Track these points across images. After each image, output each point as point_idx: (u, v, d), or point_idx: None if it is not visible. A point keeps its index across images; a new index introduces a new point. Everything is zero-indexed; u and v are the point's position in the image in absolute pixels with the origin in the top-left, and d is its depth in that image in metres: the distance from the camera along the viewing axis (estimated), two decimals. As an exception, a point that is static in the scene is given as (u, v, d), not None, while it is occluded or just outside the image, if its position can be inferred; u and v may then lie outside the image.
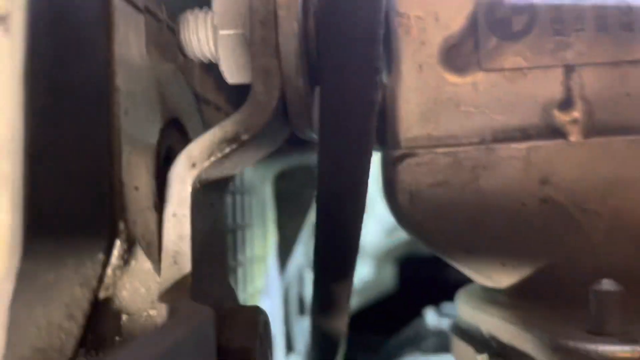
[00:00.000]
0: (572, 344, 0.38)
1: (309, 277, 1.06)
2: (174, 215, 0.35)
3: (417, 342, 1.19)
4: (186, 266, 0.35)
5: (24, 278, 0.25)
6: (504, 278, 0.48)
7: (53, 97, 0.26)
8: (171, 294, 0.34)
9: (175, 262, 0.35)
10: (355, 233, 0.42)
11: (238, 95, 0.52)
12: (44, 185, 0.26)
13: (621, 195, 0.43)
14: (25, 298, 0.25)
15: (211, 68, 0.47)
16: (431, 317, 1.18)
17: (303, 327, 0.97)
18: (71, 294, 0.29)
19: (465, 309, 0.55)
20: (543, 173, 0.44)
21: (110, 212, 0.32)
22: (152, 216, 0.35)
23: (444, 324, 1.15)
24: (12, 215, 0.24)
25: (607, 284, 0.39)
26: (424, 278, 1.68)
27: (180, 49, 0.39)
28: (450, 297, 1.32)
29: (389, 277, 1.59)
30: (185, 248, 0.35)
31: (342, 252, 0.43)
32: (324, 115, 0.35)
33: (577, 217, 0.44)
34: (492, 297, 0.52)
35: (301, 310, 0.98)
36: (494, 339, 0.47)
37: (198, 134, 0.40)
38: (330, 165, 0.39)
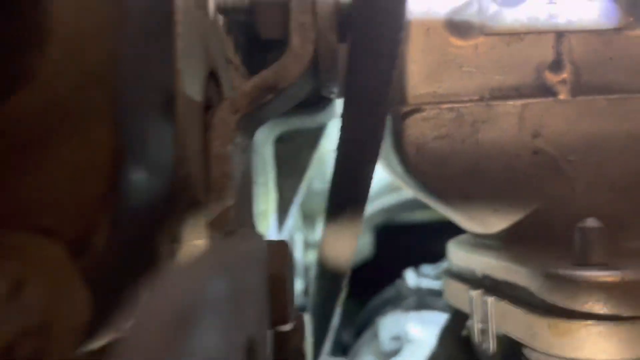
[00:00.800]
0: (561, 272, 0.43)
1: (299, 240, 1.10)
2: (219, 156, 0.38)
3: (397, 302, 1.25)
4: (230, 201, 0.38)
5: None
6: (496, 223, 0.53)
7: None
8: (218, 225, 0.38)
9: (220, 198, 0.38)
10: (369, 174, 0.46)
11: (250, 58, 0.56)
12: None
13: (602, 148, 0.49)
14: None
15: (231, 29, 0.51)
16: (411, 278, 1.24)
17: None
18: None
19: (457, 255, 0.60)
20: (535, 127, 0.49)
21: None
22: (200, 157, 0.39)
23: (424, 283, 1.21)
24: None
25: (590, 222, 0.44)
26: (399, 245, 1.74)
27: (216, 4, 0.42)
28: (423, 262, 1.38)
29: (366, 244, 1.64)
30: (229, 185, 0.38)
31: (356, 191, 0.47)
32: (351, 65, 0.39)
33: (563, 167, 0.49)
34: (483, 244, 0.57)
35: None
36: (487, 277, 0.52)
37: (228, 88, 0.43)
38: (352, 113, 0.42)
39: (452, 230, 0.69)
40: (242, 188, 0.44)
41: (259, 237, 0.34)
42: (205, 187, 0.39)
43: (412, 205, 1.53)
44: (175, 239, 0.38)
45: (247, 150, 0.45)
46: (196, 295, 0.19)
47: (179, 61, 0.33)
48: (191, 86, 0.37)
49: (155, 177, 0.33)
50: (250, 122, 0.42)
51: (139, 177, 0.31)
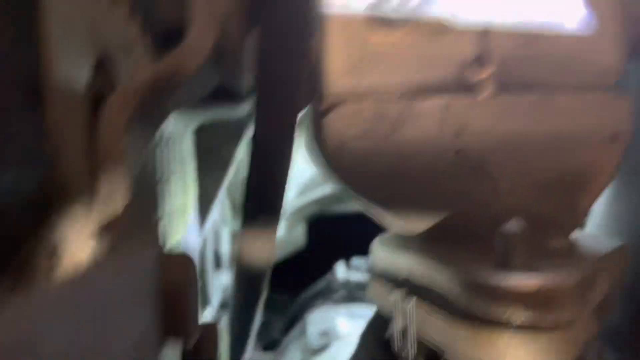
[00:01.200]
0: (481, 279, 0.41)
1: (225, 234, 1.06)
2: (109, 152, 0.34)
3: (328, 294, 1.23)
4: (120, 206, 0.34)
5: None
6: (419, 223, 0.51)
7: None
8: (106, 232, 0.33)
9: (111, 200, 0.34)
10: (284, 172, 0.43)
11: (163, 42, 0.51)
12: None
13: (524, 147, 0.47)
14: None
15: (136, 10, 0.46)
16: (341, 271, 1.22)
17: (219, 282, 0.98)
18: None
19: (381, 255, 0.58)
20: (457, 126, 0.47)
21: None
22: (84, 157, 0.34)
23: (354, 277, 1.19)
24: None
25: (511, 224, 0.42)
26: (331, 236, 1.72)
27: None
28: (356, 253, 1.37)
29: (299, 235, 1.62)
30: (120, 188, 0.34)
31: (273, 188, 0.44)
32: (261, 59, 0.35)
33: (486, 167, 0.47)
34: (406, 244, 0.55)
35: (217, 265, 0.99)
36: (408, 281, 0.50)
37: (129, 75, 0.39)
38: (264, 109, 0.39)
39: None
40: (142, 187, 0.40)
41: (146, 250, 0.30)
42: (93, 188, 0.35)
43: (345, 196, 1.52)
44: (53, 251, 0.33)
45: (151, 143, 0.41)
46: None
47: (50, 45, 0.29)
48: (70, 74, 0.32)
49: (20, 176, 0.28)
50: (150, 114, 0.38)
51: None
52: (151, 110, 0.38)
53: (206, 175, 0.78)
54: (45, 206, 0.31)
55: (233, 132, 0.77)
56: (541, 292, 0.40)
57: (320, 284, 1.30)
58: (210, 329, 0.48)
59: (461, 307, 0.43)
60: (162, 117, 0.41)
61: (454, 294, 0.43)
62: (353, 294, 1.16)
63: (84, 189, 0.34)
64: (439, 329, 0.45)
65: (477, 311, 0.42)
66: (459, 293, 0.43)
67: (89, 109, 0.35)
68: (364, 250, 1.37)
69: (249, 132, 0.93)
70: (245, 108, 0.69)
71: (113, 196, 0.34)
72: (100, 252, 0.32)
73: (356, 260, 1.30)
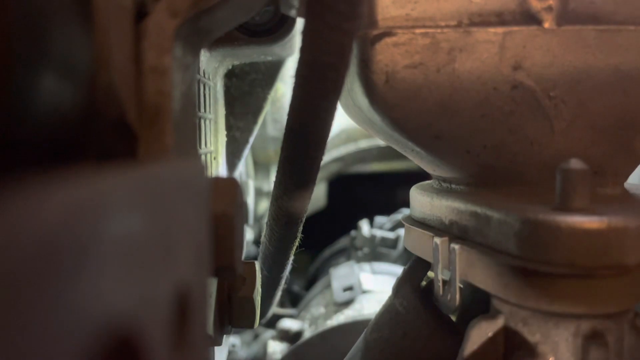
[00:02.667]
0: (541, 216, 0.38)
1: (250, 187, 1.04)
2: (154, 69, 0.31)
3: (351, 252, 1.21)
4: (167, 124, 0.31)
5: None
6: (466, 166, 0.48)
7: None
8: (152, 152, 0.31)
9: (156, 120, 0.31)
10: (331, 105, 0.40)
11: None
12: None
13: (587, 84, 0.44)
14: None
15: None
16: (365, 229, 1.20)
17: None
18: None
19: (421, 201, 0.54)
20: (516, 58, 0.43)
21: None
22: (129, 69, 0.31)
23: (377, 234, 1.17)
24: None
25: (574, 163, 0.39)
26: (353, 196, 1.70)
27: None
28: (378, 213, 1.34)
29: (320, 195, 1.59)
30: (166, 104, 0.31)
31: (316, 126, 0.41)
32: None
33: (544, 103, 0.44)
34: (450, 188, 0.52)
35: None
36: (454, 224, 0.47)
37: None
38: (315, 28, 0.36)
39: (408, 180, 0.64)
40: (183, 113, 0.37)
41: (199, 167, 0.27)
42: (138, 106, 0.32)
43: (367, 155, 1.49)
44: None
45: (191, 69, 0.38)
46: (82, 226, 0.13)
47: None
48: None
49: (63, 85, 0.25)
50: (193, 33, 0.35)
51: (39, 83, 0.23)
52: (195, 26, 0.35)
53: (236, 122, 0.75)
54: (91, 117, 0.29)
55: (264, 78, 0.73)
56: (605, 233, 0.37)
57: (343, 242, 1.28)
58: (250, 267, 0.46)
59: (514, 251, 0.40)
60: (204, 38, 0.38)
61: (506, 238, 0.40)
62: (377, 251, 1.14)
63: (130, 105, 0.31)
64: (489, 273, 0.42)
65: (533, 255, 0.39)
66: (512, 236, 0.40)
67: (136, 16, 0.32)
68: (384, 211, 1.34)
69: (281, 84, 0.90)
70: (278, 49, 0.65)
71: (158, 116, 0.32)
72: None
73: (380, 219, 1.27)
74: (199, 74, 0.55)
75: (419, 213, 0.55)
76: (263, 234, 0.58)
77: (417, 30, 0.42)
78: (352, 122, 0.59)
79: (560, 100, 0.44)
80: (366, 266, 1.07)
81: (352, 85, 0.47)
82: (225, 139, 0.71)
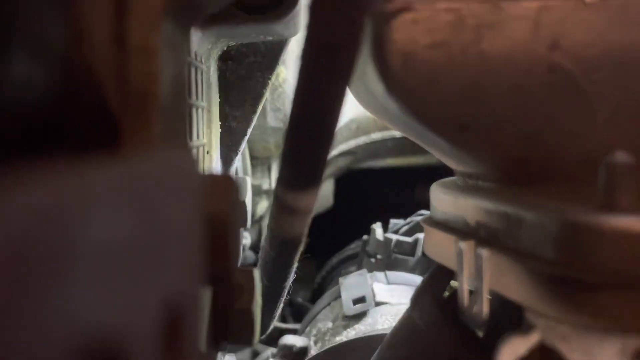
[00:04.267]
0: (582, 218, 0.38)
1: (248, 184, 1.03)
2: (140, 48, 0.31)
3: (362, 260, 1.21)
4: (153, 111, 0.31)
5: None
6: (495, 160, 0.48)
7: None
8: (136, 143, 0.30)
9: (140, 106, 0.31)
10: (340, 91, 0.40)
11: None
12: None
13: (634, 65, 0.43)
14: None
15: None
16: (379, 233, 1.20)
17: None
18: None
19: (443, 200, 0.54)
20: (553, 36, 0.43)
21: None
22: (111, 47, 0.31)
23: (393, 238, 1.17)
24: None
25: (620, 156, 0.39)
26: (362, 194, 1.70)
27: None
28: (388, 215, 1.33)
29: (327, 193, 1.60)
30: (153, 89, 0.31)
31: (323, 116, 0.41)
32: None
33: (584, 88, 0.43)
34: (477, 185, 0.52)
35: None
36: (482, 226, 0.47)
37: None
38: (323, 5, 0.35)
39: (428, 177, 0.63)
40: (173, 99, 0.37)
41: (190, 161, 0.27)
42: (120, 91, 0.32)
43: (379, 148, 1.49)
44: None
45: (181, 50, 0.38)
46: (55, 229, 0.12)
47: None
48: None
49: (37, 65, 0.25)
50: (183, 9, 0.35)
51: (5, 64, 0.23)
52: (186, 2, 0.35)
53: (232, 111, 0.75)
54: (63, 104, 0.28)
55: (264, 61, 0.73)
56: (657, 237, 0.37)
57: (353, 247, 1.28)
58: (248, 275, 0.46)
59: (551, 258, 0.39)
60: (196, 15, 0.38)
61: (541, 242, 0.40)
62: (392, 257, 1.14)
63: (112, 87, 0.31)
64: (522, 282, 0.42)
65: (573, 262, 0.38)
66: (548, 240, 0.39)
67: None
68: (398, 212, 1.34)
69: (282, 68, 0.89)
70: (279, 28, 0.65)
71: (145, 101, 0.31)
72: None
73: (395, 221, 1.27)
74: (189, 56, 0.55)
75: (440, 214, 0.54)
76: (263, 237, 0.58)
77: (440, 5, 0.42)
78: (364, 110, 0.59)
79: (604, 84, 0.43)
80: (380, 275, 1.07)
81: (365, 69, 0.47)
82: (219, 130, 0.71)
